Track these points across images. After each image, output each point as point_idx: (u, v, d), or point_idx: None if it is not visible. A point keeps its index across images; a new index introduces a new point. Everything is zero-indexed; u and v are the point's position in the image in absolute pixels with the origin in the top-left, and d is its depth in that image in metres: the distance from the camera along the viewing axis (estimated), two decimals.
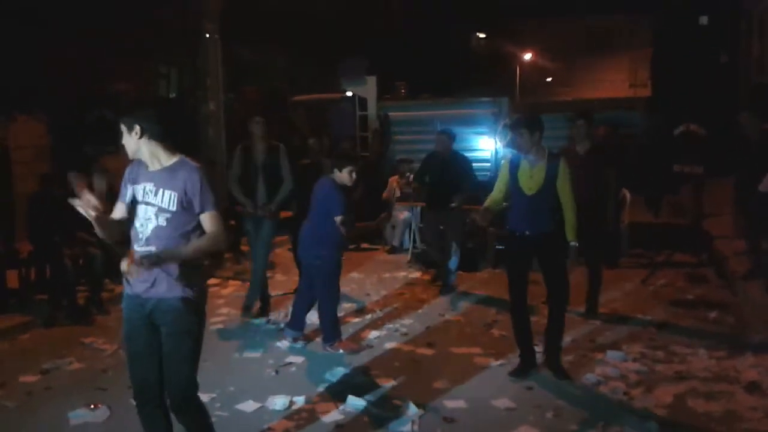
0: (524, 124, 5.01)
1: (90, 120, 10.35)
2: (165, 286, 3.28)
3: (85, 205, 3.14)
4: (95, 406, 4.63)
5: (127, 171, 3.44)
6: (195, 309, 3.36)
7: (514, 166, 5.12)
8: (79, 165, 7.60)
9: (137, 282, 3.31)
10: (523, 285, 5.17)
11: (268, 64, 17.70)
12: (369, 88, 13.07)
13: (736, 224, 8.55)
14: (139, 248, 3.30)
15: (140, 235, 3.31)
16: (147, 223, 3.29)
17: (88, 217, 3.19)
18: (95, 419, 4.50)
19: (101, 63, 11.94)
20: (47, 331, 6.54)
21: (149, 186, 3.31)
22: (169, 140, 3.36)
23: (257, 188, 6.75)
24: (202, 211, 3.29)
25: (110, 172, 7.20)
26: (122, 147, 3.34)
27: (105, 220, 3.31)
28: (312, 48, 18.90)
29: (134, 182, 3.38)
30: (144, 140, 3.30)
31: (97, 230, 3.31)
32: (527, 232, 5.06)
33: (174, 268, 3.28)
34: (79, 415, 4.53)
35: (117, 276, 7.67)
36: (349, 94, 13.46)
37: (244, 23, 14.50)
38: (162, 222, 3.28)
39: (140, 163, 3.37)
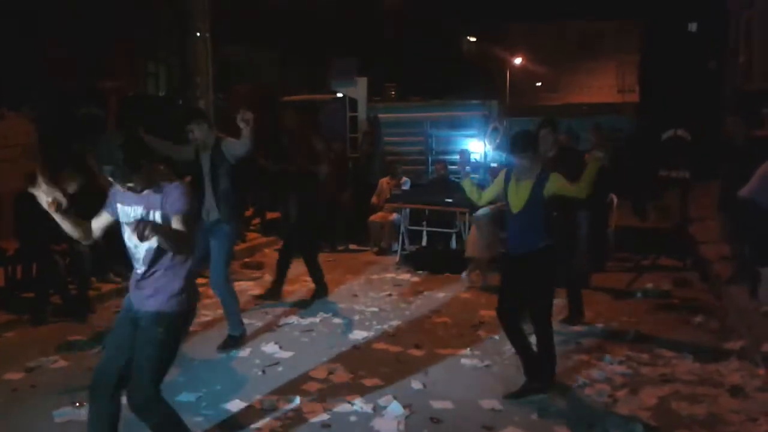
0: (525, 147, 4.84)
1: (78, 117, 10.30)
2: (150, 297, 3.50)
3: (44, 194, 3.33)
4: (80, 404, 4.61)
5: (114, 190, 3.53)
6: (169, 322, 3.50)
7: (506, 182, 5.01)
8: (65, 162, 7.58)
9: (135, 293, 3.55)
10: (513, 306, 4.97)
11: (259, 64, 17.70)
12: (359, 90, 13.08)
13: (721, 229, 8.62)
14: (139, 267, 3.51)
15: (136, 256, 3.51)
16: (140, 245, 3.43)
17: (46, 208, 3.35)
18: (80, 417, 4.46)
19: (91, 60, 11.90)
20: (33, 329, 6.50)
21: (139, 210, 3.44)
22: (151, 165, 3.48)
23: None
24: (171, 215, 3.40)
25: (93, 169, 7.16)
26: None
27: (67, 215, 3.44)
28: (303, 48, 18.91)
29: (122, 202, 3.50)
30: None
31: (59, 221, 3.47)
32: (516, 251, 4.99)
33: (164, 283, 3.49)
34: (64, 414, 4.52)
35: (105, 275, 7.70)
36: (339, 95, 13.47)
37: (234, 22, 14.50)
38: (156, 243, 3.41)
39: None
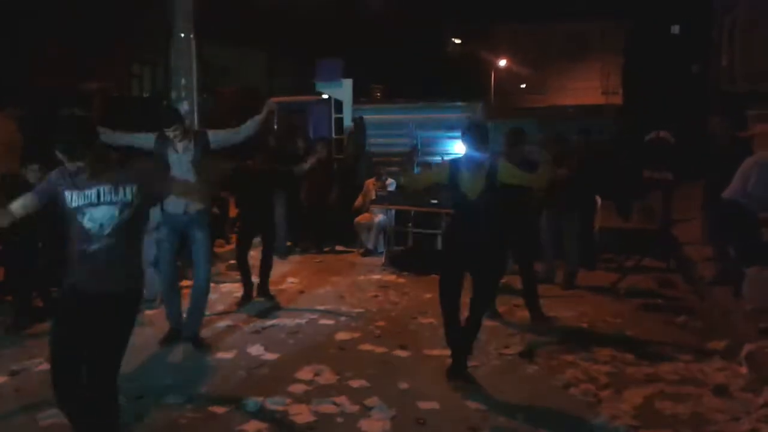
0: (480, 140, 4.96)
1: (61, 118, 10.23)
2: (108, 281, 3.49)
3: None
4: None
5: (58, 174, 3.49)
6: (133, 301, 3.62)
7: (454, 172, 5.05)
8: (47, 161, 7.52)
9: (87, 277, 3.48)
10: (457, 294, 5.13)
11: (247, 67, 17.65)
12: (345, 91, 13.07)
13: (704, 230, 8.69)
14: (95, 245, 3.45)
15: (99, 233, 3.44)
16: (109, 221, 3.44)
17: None
18: (64, 420, 4.43)
19: (76, 62, 11.83)
20: (16, 332, 6.43)
21: (105, 188, 3.43)
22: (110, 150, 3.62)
23: None
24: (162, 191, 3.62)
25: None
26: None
27: None
28: (291, 51, 18.88)
29: (76, 188, 3.44)
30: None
31: None
32: (467, 239, 5.04)
33: (119, 267, 3.51)
34: (48, 416, 4.48)
35: None
36: (324, 96, 13.45)
37: (220, 23, 14.45)
38: (126, 215, 3.47)
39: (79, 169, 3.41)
